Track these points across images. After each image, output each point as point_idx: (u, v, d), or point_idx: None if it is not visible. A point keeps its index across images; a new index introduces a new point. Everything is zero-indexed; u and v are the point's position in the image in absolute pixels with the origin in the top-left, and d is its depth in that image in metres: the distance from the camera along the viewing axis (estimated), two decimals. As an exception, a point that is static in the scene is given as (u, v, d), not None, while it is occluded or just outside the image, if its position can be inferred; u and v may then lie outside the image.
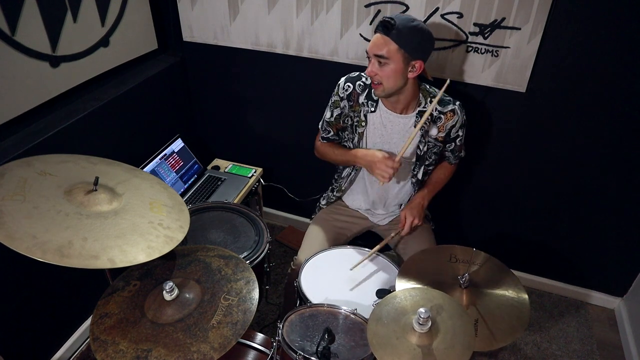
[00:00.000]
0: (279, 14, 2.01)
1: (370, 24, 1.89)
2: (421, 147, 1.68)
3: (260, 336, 1.46)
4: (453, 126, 1.66)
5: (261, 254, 1.59)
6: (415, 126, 1.64)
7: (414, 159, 1.72)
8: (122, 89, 1.98)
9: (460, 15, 1.75)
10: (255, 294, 1.23)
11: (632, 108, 1.76)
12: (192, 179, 2.27)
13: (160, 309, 1.17)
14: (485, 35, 1.76)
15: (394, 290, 1.38)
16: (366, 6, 1.85)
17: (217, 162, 2.47)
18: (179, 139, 2.26)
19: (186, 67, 2.35)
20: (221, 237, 1.65)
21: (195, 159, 2.31)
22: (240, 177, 2.33)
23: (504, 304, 1.35)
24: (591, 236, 2.16)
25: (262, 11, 2.03)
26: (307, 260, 1.62)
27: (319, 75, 2.09)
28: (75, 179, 1.22)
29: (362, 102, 1.66)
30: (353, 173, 1.82)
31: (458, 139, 1.73)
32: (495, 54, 1.78)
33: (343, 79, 1.69)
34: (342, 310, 1.38)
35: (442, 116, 1.63)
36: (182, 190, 2.18)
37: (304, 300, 1.49)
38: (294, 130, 2.35)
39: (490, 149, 2.06)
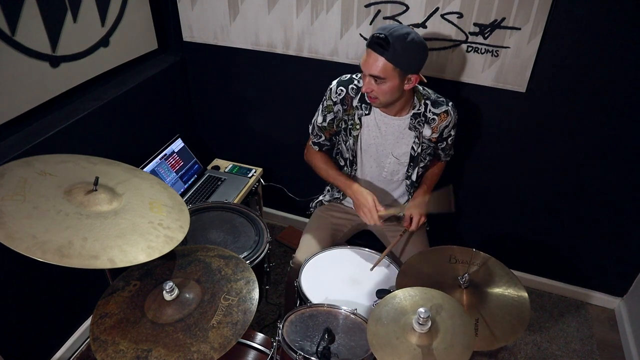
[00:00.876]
0: (279, 14, 2.01)
1: (370, 24, 1.89)
2: (415, 148, 1.68)
3: (260, 336, 1.46)
4: (446, 127, 1.66)
5: (261, 254, 1.59)
6: (409, 129, 1.64)
7: (407, 160, 1.71)
8: (122, 89, 1.98)
9: (460, 15, 1.75)
10: (255, 294, 1.23)
11: (632, 108, 1.76)
12: (192, 179, 2.27)
13: (160, 309, 1.17)
14: (485, 35, 1.76)
15: (394, 290, 1.38)
16: (366, 6, 1.85)
17: (217, 162, 2.47)
18: (179, 139, 2.26)
19: (186, 67, 2.35)
20: (221, 237, 1.65)
21: (195, 159, 2.31)
22: (240, 177, 2.33)
23: (504, 304, 1.35)
24: (591, 236, 2.16)
25: (262, 11, 2.03)
26: (307, 260, 1.62)
27: (319, 75, 2.09)
28: (75, 179, 1.22)
29: (356, 105, 1.65)
30: (352, 175, 1.82)
31: (450, 139, 1.72)
32: (495, 54, 1.78)
33: (335, 82, 1.66)
34: (342, 310, 1.38)
35: (435, 117, 1.63)
36: (182, 190, 2.18)
37: (304, 300, 1.49)
38: (294, 130, 2.35)
39: (490, 149, 2.06)
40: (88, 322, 2.05)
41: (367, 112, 1.65)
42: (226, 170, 2.39)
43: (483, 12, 1.72)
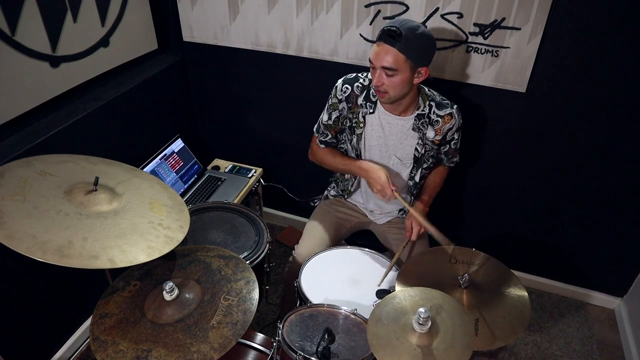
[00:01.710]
0: (279, 14, 2.01)
1: (370, 24, 1.89)
2: (419, 149, 1.68)
3: (260, 336, 1.46)
4: (450, 129, 1.66)
5: (261, 254, 1.59)
6: (413, 129, 1.64)
7: (410, 162, 1.71)
8: (122, 89, 1.98)
9: (460, 16, 1.75)
10: (255, 294, 1.23)
11: (632, 108, 1.76)
12: (192, 179, 2.27)
13: (160, 309, 1.17)
14: (485, 36, 1.76)
15: (394, 290, 1.38)
16: (366, 6, 1.85)
17: (217, 162, 2.47)
18: (179, 139, 2.26)
19: (186, 67, 2.35)
20: (221, 237, 1.65)
21: (195, 159, 2.31)
22: (240, 177, 2.33)
23: (504, 304, 1.35)
24: (591, 236, 2.16)
25: (262, 11, 2.03)
26: (307, 261, 1.62)
27: (319, 75, 2.09)
28: (75, 179, 1.22)
29: (361, 104, 1.66)
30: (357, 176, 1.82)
31: (453, 142, 1.73)
32: (495, 54, 1.78)
33: (340, 80, 1.68)
34: (342, 310, 1.38)
35: (439, 119, 1.63)
36: (182, 190, 2.18)
37: (304, 300, 1.49)
38: (294, 130, 2.35)
39: (490, 149, 2.06)
40: (88, 322, 2.05)
41: (371, 111, 1.65)
42: (226, 170, 2.39)
43: (483, 12, 1.72)
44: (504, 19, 1.70)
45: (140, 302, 1.20)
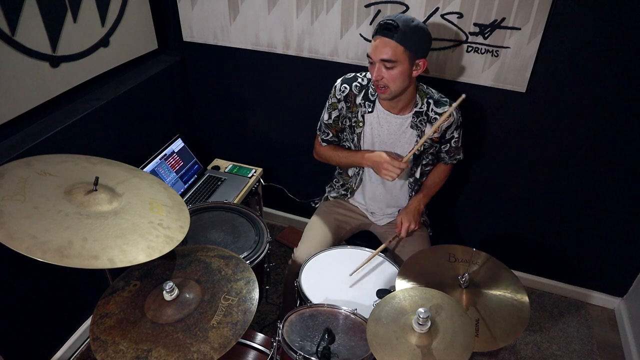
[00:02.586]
0: (279, 14, 2.01)
1: (371, 24, 1.89)
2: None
3: (260, 336, 1.46)
4: (448, 127, 1.67)
5: (261, 254, 1.59)
6: (411, 127, 1.65)
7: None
8: (122, 89, 1.98)
9: (460, 15, 1.75)
10: (255, 294, 1.23)
11: (632, 108, 1.76)
12: (192, 179, 2.27)
13: (160, 309, 1.17)
14: (485, 35, 1.76)
15: (394, 290, 1.38)
16: (366, 6, 1.85)
17: (217, 162, 2.47)
18: (179, 139, 2.26)
19: (186, 67, 2.35)
20: (221, 237, 1.65)
21: (195, 159, 2.31)
22: (240, 177, 2.33)
23: (504, 304, 1.35)
24: (591, 236, 2.16)
25: (262, 11, 2.03)
26: (307, 260, 1.62)
27: (319, 75, 2.09)
28: (75, 179, 1.22)
29: (360, 103, 1.67)
30: (361, 172, 1.82)
31: (453, 140, 1.73)
32: (495, 54, 1.78)
33: (339, 80, 1.70)
34: (342, 310, 1.38)
35: (437, 117, 1.64)
36: (182, 190, 2.18)
37: (304, 300, 1.49)
38: (294, 130, 2.35)
39: (490, 149, 2.06)
40: (88, 322, 2.05)
41: (370, 110, 1.66)
42: (226, 170, 2.39)
43: (483, 12, 1.72)
44: (504, 19, 1.70)
45: (140, 302, 1.20)
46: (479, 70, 1.85)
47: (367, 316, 1.25)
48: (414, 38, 1.45)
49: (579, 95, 1.80)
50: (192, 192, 2.20)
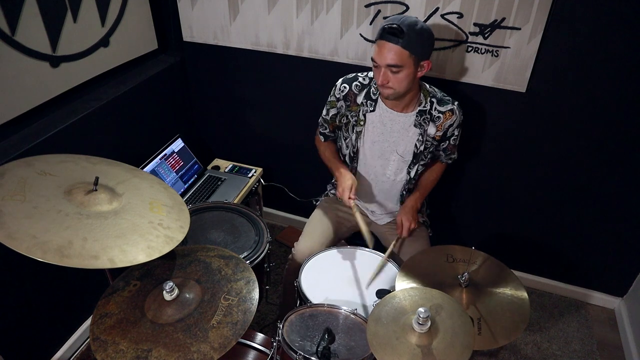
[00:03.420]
0: (279, 14, 2.01)
1: (370, 24, 1.89)
2: (418, 145, 1.69)
3: (260, 336, 1.46)
4: (451, 125, 1.68)
5: (261, 254, 1.59)
6: (414, 125, 1.65)
7: (410, 158, 1.72)
8: (122, 89, 1.98)
9: (460, 15, 1.75)
10: (255, 294, 1.23)
11: (632, 108, 1.76)
12: (192, 179, 2.27)
13: (160, 309, 1.17)
14: (485, 35, 1.76)
15: (394, 290, 1.38)
16: (366, 6, 1.85)
17: (217, 162, 2.47)
18: (179, 139, 2.26)
19: (186, 67, 2.35)
20: (221, 237, 1.65)
21: (195, 159, 2.31)
22: (240, 177, 2.33)
23: (504, 303, 1.35)
24: (591, 236, 2.16)
25: (262, 11, 2.03)
26: (307, 260, 1.62)
27: (319, 75, 2.09)
28: (75, 179, 1.22)
29: (361, 102, 1.67)
30: (354, 170, 1.82)
31: (452, 139, 1.74)
32: (495, 54, 1.78)
33: (340, 80, 1.72)
34: (342, 310, 1.38)
35: (440, 115, 1.65)
36: (182, 190, 2.18)
37: (304, 300, 1.49)
38: (294, 130, 2.35)
39: (490, 149, 2.06)
40: (88, 322, 2.05)
41: (372, 109, 1.67)
42: (226, 170, 2.39)
43: (483, 12, 1.72)
44: (504, 19, 1.70)
45: (140, 302, 1.20)
46: (479, 70, 1.85)
47: (367, 316, 1.25)
48: (419, 42, 1.45)
49: (579, 95, 1.80)
50: (192, 192, 2.20)
